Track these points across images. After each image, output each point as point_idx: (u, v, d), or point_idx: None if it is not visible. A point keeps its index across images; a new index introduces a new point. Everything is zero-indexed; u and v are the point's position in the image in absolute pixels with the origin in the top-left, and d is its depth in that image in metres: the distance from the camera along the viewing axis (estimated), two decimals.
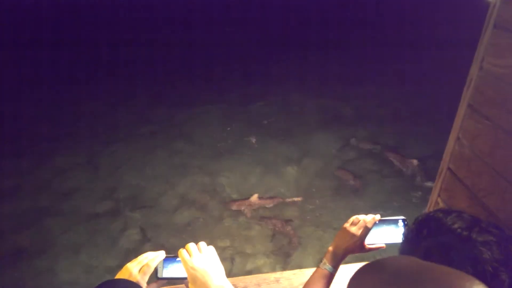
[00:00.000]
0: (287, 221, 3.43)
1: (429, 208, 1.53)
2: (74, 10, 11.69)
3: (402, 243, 0.90)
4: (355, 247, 1.16)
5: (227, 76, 6.84)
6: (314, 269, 1.19)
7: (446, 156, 1.38)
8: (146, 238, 3.32)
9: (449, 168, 1.37)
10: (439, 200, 1.45)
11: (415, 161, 4.17)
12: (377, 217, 1.18)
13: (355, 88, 6.14)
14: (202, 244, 1.03)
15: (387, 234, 1.17)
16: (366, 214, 1.21)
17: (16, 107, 5.82)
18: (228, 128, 5.07)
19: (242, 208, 3.60)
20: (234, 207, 3.63)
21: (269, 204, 3.66)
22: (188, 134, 4.96)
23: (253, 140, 4.75)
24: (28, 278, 2.98)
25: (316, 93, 5.98)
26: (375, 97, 5.82)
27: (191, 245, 1.01)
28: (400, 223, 1.16)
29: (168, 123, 5.24)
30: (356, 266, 1.62)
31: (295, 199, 3.74)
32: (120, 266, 0.98)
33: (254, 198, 3.71)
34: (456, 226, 0.78)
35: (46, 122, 5.30)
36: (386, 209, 3.44)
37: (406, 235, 0.88)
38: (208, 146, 4.68)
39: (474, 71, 1.21)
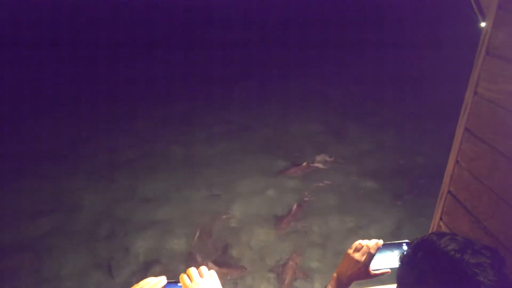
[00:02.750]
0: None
1: (431, 231, 1.53)
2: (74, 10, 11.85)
3: (398, 267, 0.89)
4: (359, 273, 1.14)
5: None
6: None
7: (446, 179, 1.39)
8: None
9: (449, 191, 1.38)
10: (441, 223, 1.45)
11: None
12: (380, 242, 1.16)
13: None
14: (204, 268, 1.02)
15: (392, 259, 1.15)
16: (369, 239, 1.19)
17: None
18: None
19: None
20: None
21: None
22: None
23: None
24: None
25: None
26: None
27: (192, 270, 1.00)
28: (405, 247, 1.13)
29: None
30: None
31: None
32: None
33: None
34: (449, 248, 0.78)
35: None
36: None
37: (401, 259, 0.88)
38: None
39: (469, 96, 1.24)
